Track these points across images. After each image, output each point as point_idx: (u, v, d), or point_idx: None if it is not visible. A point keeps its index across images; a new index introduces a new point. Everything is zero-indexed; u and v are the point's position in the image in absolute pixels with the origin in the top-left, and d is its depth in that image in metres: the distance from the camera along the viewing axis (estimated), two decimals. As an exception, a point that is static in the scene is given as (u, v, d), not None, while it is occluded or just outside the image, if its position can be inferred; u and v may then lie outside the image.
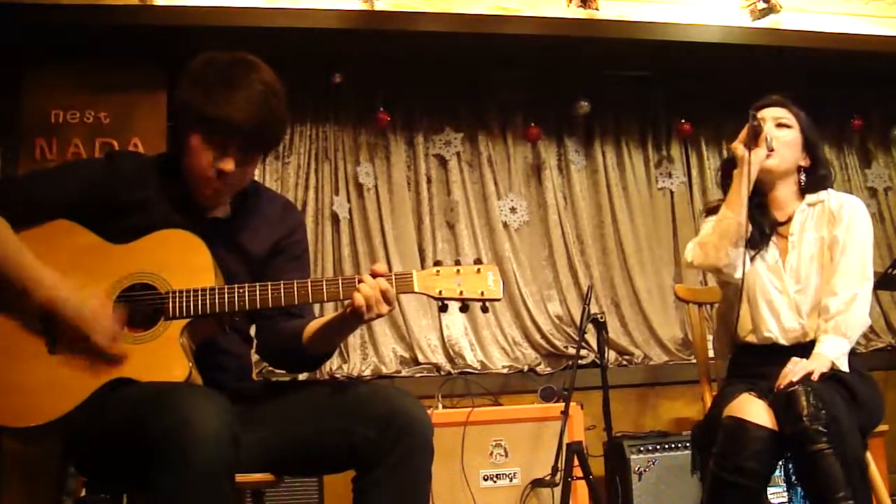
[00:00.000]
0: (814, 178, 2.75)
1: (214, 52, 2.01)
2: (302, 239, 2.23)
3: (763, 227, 2.70)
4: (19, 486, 3.81)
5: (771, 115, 2.73)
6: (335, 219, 4.53)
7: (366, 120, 4.63)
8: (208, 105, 1.91)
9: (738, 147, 2.63)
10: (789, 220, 2.74)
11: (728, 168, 2.78)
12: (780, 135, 2.70)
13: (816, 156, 2.76)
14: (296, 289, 1.91)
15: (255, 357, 2.39)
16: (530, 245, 4.80)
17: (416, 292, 1.92)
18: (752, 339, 2.70)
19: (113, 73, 4.14)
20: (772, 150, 2.65)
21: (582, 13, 4.36)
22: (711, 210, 2.84)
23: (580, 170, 4.90)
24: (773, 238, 2.72)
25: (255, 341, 2.24)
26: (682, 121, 4.90)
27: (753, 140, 2.60)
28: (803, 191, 2.76)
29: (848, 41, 4.62)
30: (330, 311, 2.07)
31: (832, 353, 2.50)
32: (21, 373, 1.85)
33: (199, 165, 1.96)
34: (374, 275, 1.88)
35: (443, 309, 1.96)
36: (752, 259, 2.69)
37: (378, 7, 4.17)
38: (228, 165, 1.95)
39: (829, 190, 2.78)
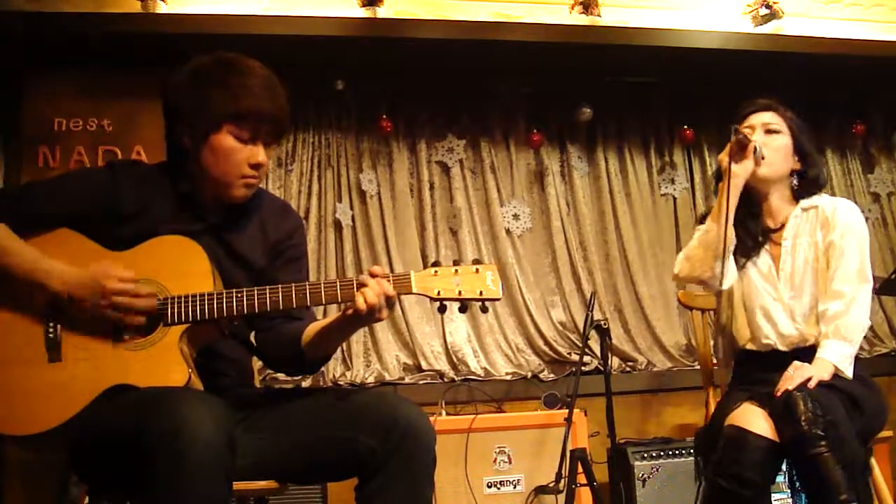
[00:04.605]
0: (806, 181, 2.74)
1: (194, 58, 2.05)
2: (300, 242, 2.22)
3: (756, 235, 2.70)
4: (22, 494, 3.81)
5: (760, 122, 2.71)
6: (338, 226, 4.54)
7: (368, 127, 4.63)
8: (233, 99, 1.95)
9: (724, 159, 2.63)
10: (782, 226, 2.73)
11: (720, 179, 2.78)
12: (769, 141, 2.68)
13: (807, 158, 2.74)
14: (294, 292, 1.91)
15: (257, 364, 2.38)
16: (533, 252, 4.79)
17: (414, 293, 1.91)
18: (751, 346, 2.70)
19: (115, 80, 4.15)
20: (763, 157, 2.64)
21: (584, 20, 4.37)
22: (703, 218, 2.84)
23: (583, 176, 4.90)
24: (766, 245, 2.72)
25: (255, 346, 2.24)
26: (685, 127, 4.90)
27: (740, 152, 2.59)
28: (797, 195, 2.75)
29: (849, 46, 4.62)
30: (332, 313, 2.06)
31: (834, 357, 2.49)
32: (21, 380, 1.85)
33: (234, 162, 1.99)
34: (372, 276, 1.88)
35: (441, 310, 1.94)
36: (742, 266, 2.69)
37: (380, 15, 4.19)
38: (262, 155, 2.00)
39: (823, 195, 2.76)
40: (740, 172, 2.60)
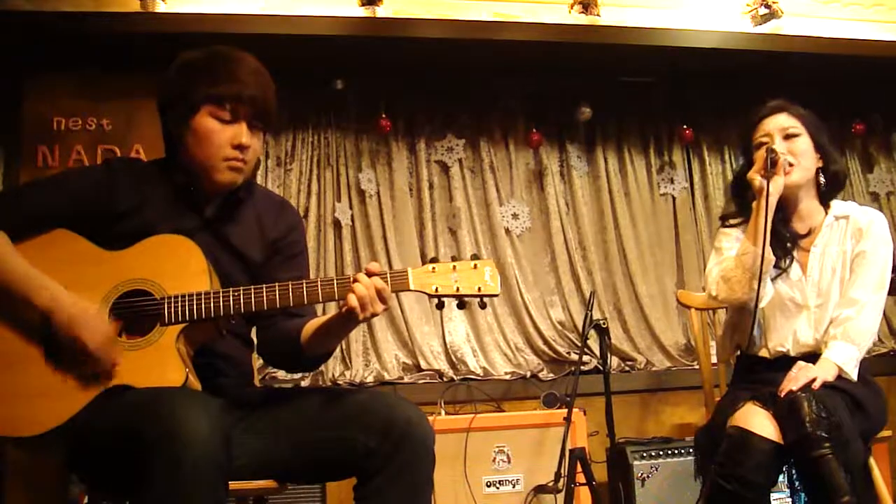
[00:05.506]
0: (829, 176, 2.71)
1: (188, 51, 2.06)
2: (299, 239, 2.21)
3: (785, 242, 2.66)
4: (22, 495, 3.81)
5: (777, 127, 2.66)
6: (337, 225, 4.54)
7: (368, 126, 4.63)
8: (214, 81, 1.96)
9: (756, 178, 2.57)
10: (810, 232, 2.71)
11: (738, 189, 2.74)
12: (792, 147, 2.64)
13: (827, 153, 2.71)
14: (291, 290, 1.90)
15: (257, 363, 2.38)
16: (532, 251, 4.79)
17: (411, 290, 1.90)
18: (763, 353, 2.69)
19: (114, 80, 4.15)
20: (790, 165, 2.60)
21: (583, 19, 4.36)
22: (726, 219, 2.81)
23: (582, 176, 4.90)
24: (794, 252, 2.69)
25: (255, 344, 2.23)
26: (684, 126, 4.90)
27: (771, 168, 2.54)
28: (822, 195, 2.73)
29: (849, 46, 4.62)
30: (332, 310, 2.05)
31: (839, 359, 2.48)
32: (20, 382, 1.85)
33: (215, 144, 1.98)
34: (369, 273, 1.87)
35: (439, 306, 1.93)
36: (775, 279, 2.65)
37: (380, 14, 4.18)
38: (245, 136, 1.99)
39: (851, 203, 2.75)
40: (774, 190, 2.55)
